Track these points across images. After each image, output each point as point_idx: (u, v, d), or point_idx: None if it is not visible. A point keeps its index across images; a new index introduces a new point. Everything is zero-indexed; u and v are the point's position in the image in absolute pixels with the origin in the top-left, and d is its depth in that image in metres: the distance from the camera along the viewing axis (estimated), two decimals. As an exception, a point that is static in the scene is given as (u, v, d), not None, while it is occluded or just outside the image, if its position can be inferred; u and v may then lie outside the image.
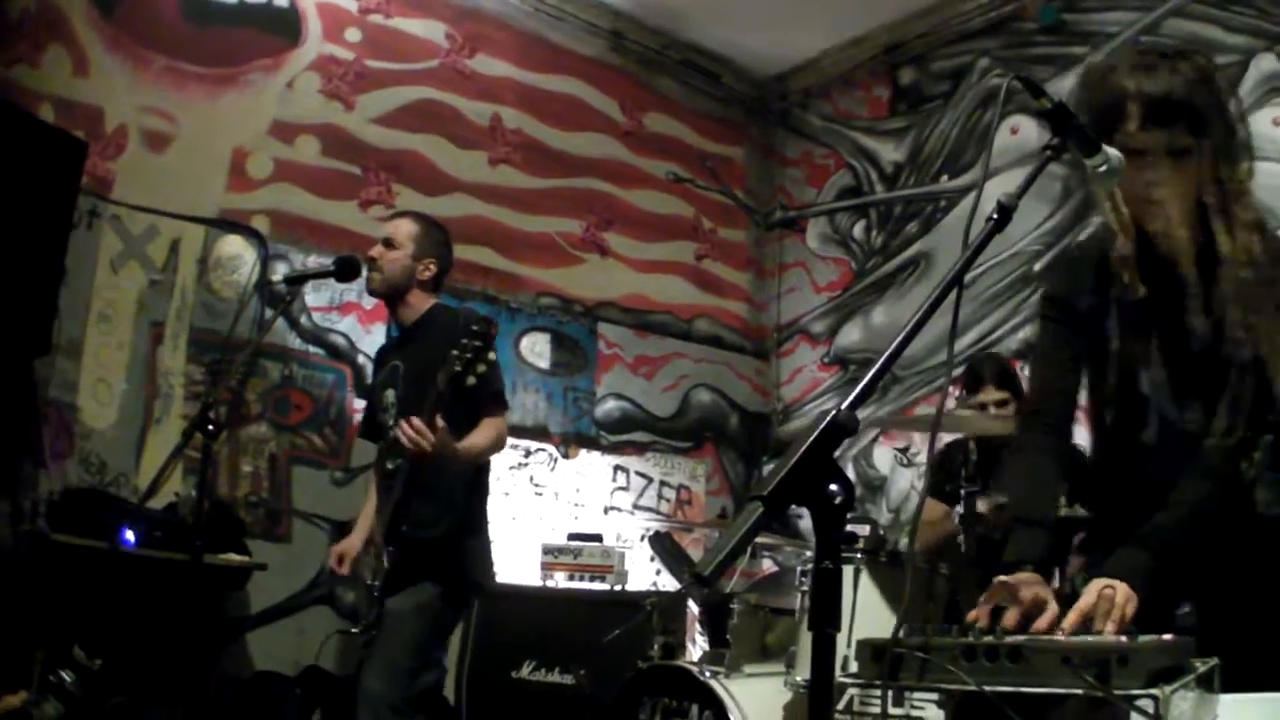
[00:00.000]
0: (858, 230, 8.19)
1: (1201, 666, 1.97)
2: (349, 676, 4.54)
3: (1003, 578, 2.32)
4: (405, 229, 4.47)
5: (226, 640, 5.37)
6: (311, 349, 6.14)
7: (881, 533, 6.55)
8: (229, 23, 6.10)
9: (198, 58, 5.94)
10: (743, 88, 8.69)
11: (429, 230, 4.54)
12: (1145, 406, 2.59)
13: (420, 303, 4.46)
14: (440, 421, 3.88)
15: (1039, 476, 2.67)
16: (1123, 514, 2.56)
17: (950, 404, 5.32)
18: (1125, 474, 2.66)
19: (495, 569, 4.60)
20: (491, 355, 3.92)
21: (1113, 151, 2.17)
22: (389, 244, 4.42)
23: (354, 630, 4.15)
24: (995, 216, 1.94)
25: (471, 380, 3.86)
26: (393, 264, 4.39)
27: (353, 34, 6.55)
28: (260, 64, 6.16)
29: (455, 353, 3.82)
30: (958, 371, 5.55)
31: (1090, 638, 2.05)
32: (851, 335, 8.08)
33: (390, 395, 4.38)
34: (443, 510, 4.21)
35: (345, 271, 4.31)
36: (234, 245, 5.91)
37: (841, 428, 1.55)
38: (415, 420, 3.84)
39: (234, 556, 5.19)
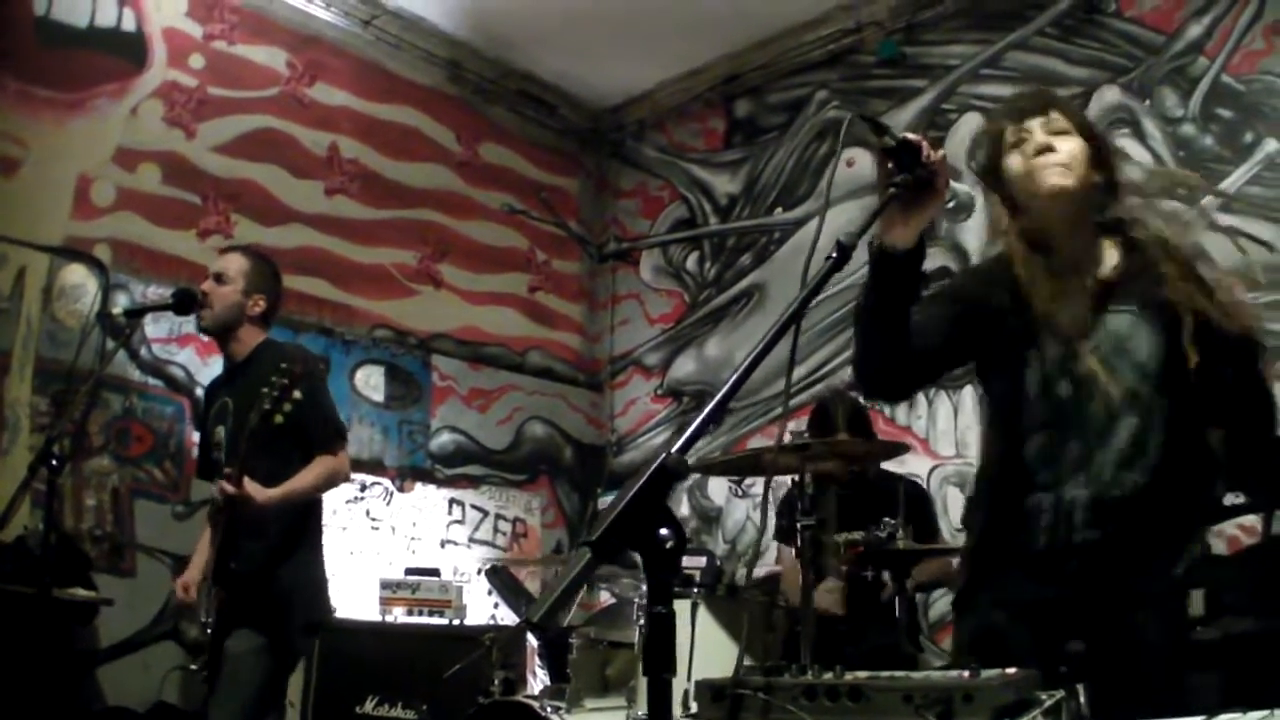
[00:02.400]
0: (691, 262, 8.68)
1: (1048, 700, 2.00)
2: (196, 711, 4.62)
3: None
4: (236, 264, 4.64)
5: (77, 675, 5.52)
6: (151, 380, 6.33)
7: (718, 564, 7.08)
8: (79, 46, 6.30)
9: (48, 81, 6.13)
10: (578, 119, 9.11)
11: (259, 265, 4.71)
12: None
13: (250, 338, 4.62)
14: (247, 482, 4.10)
15: None
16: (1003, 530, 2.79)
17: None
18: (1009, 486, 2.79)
19: (331, 604, 4.79)
20: (297, 394, 4.10)
21: (961, 188, 2.65)
22: (219, 279, 4.58)
23: (193, 667, 4.28)
24: (834, 255, 2.03)
25: (279, 419, 4.07)
26: (223, 300, 4.55)
27: (196, 60, 6.80)
28: (106, 89, 6.38)
29: (265, 390, 4.06)
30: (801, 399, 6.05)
31: (934, 674, 2.14)
32: (685, 367, 8.54)
33: (220, 432, 4.53)
34: (268, 548, 4.36)
35: (183, 304, 4.53)
36: (77, 274, 6.09)
37: (671, 472, 1.61)
38: (223, 484, 4.08)
39: (81, 591, 5.35)
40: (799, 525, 4.39)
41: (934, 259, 5.06)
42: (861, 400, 5.59)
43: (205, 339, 6.24)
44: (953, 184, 2.73)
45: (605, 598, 7.29)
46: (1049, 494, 2.68)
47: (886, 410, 6.80)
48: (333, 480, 4.50)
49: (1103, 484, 2.64)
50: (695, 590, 4.42)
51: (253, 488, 4.13)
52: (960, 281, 3.07)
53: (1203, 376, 2.62)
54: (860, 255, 2.11)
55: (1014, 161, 2.77)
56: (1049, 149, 2.71)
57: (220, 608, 4.22)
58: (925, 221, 2.48)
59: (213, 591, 4.24)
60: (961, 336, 2.81)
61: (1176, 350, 2.62)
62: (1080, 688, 2.04)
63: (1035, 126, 2.76)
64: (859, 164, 7.14)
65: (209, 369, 6.39)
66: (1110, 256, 2.77)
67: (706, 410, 1.78)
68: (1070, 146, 2.73)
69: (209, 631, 4.23)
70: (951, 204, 2.42)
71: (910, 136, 2.39)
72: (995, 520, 2.83)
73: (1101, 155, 2.78)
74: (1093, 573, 2.64)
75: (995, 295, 2.76)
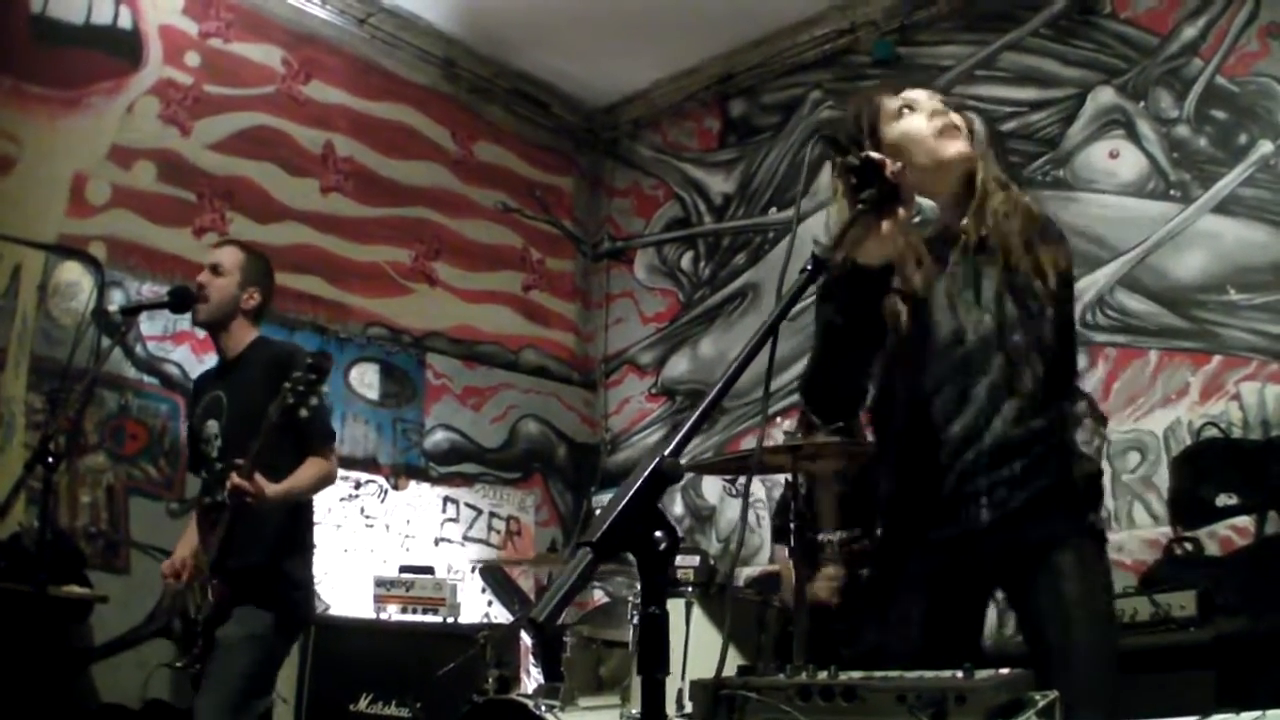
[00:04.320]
0: (685, 261, 8.70)
1: (1041, 700, 2.01)
2: (189, 708, 4.55)
3: None
4: (232, 257, 4.64)
5: (71, 673, 5.52)
6: (146, 378, 6.34)
7: (712, 563, 7.08)
8: (75, 44, 6.31)
9: (43, 79, 6.14)
10: (572, 118, 9.14)
11: (254, 259, 4.72)
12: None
13: (244, 334, 4.62)
14: (259, 479, 4.10)
15: None
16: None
17: (780, 438, 5.69)
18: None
19: (314, 602, 4.82)
20: (325, 389, 4.19)
21: (927, 203, 2.66)
22: (216, 270, 4.58)
23: (178, 665, 4.31)
24: (809, 268, 2.07)
25: (304, 413, 4.08)
26: (220, 291, 4.55)
27: (192, 58, 6.81)
28: (102, 87, 6.39)
29: (288, 385, 4.05)
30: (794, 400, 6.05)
31: (927, 674, 2.11)
32: (679, 366, 8.56)
33: (214, 426, 4.52)
34: (268, 542, 4.35)
35: (180, 302, 4.52)
36: (72, 272, 6.09)
37: (665, 476, 1.64)
38: (235, 479, 4.06)
39: (76, 589, 5.35)
40: (792, 525, 4.37)
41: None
42: None
43: (201, 336, 6.26)
44: (919, 198, 2.73)
45: (599, 597, 7.31)
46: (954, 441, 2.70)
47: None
48: (325, 482, 4.52)
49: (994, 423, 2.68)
50: (689, 590, 4.43)
51: (263, 483, 4.13)
52: None
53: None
54: None
55: (912, 124, 2.80)
56: (948, 118, 2.79)
57: (220, 600, 4.23)
58: (894, 237, 2.48)
59: (213, 583, 4.24)
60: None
61: (1022, 288, 2.70)
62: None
63: (920, 97, 2.83)
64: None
65: (204, 366, 6.32)
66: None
67: (695, 415, 1.79)
68: (958, 118, 2.81)
69: (197, 630, 4.25)
70: (918, 218, 2.41)
71: (872, 154, 2.42)
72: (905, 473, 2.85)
73: (970, 127, 2.85)
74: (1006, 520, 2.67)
75: None
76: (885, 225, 2.43)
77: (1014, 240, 2.70)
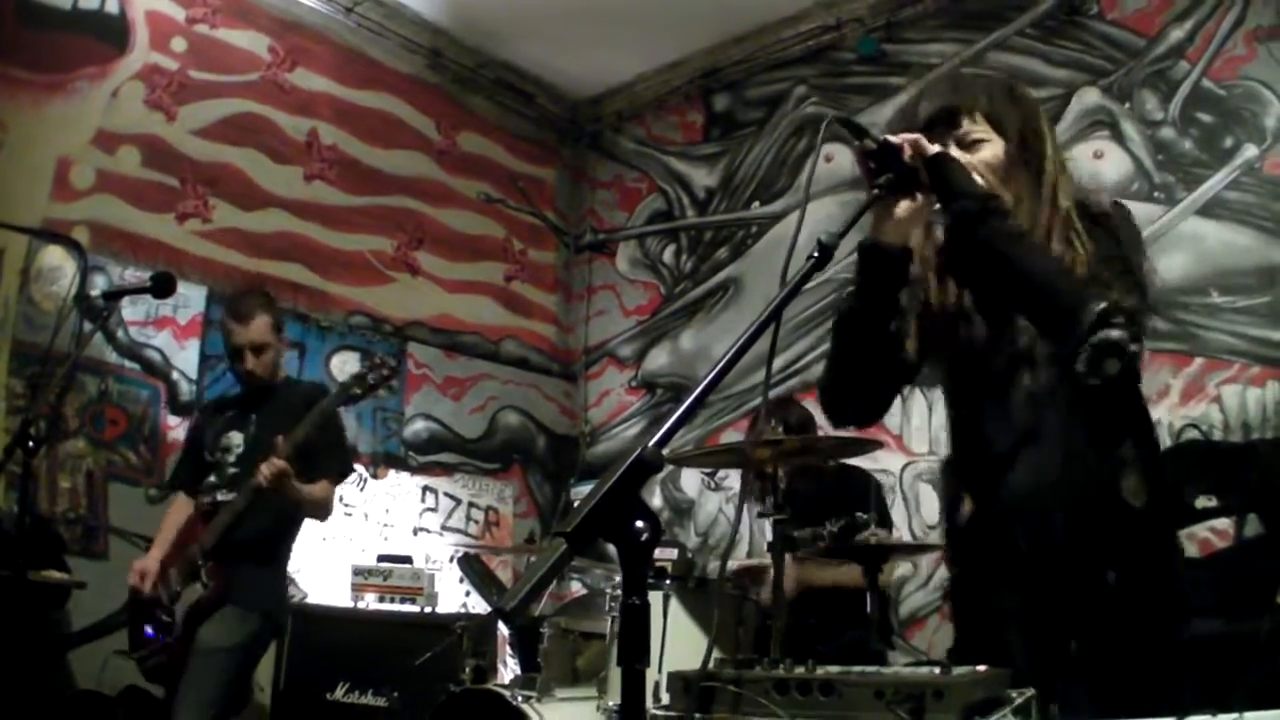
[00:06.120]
0: (668, 254, 8.72)
1: (1018, 697, 1.98)
2: (169, 697, 4.69)
3: None
4: (263, 327, 4.78)
5: (48, 659, 5.50)
6: (127, 364, 6.31)
7: (690, 556, 7.10)
8: (61, 28, 6.27)
9: (29, 63, 6.10)
10: (556, 109, 9.15)
11: (273, 309, 4.89)
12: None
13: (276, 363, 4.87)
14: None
15: None
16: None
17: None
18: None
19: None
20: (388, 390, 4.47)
21: None
22: (258, 351, 4.74)
23: (132, 655, 4.49)
24: (816, 255, 2.00)
25: (358, 390, 4.38)
26: (269, 366, 4.77)
27: (178, 43, 6.78)
28: (87, 71, 6.35)
29: (358, 373, 4.30)
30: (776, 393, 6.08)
31: (904, 670, 2.12)
32: (659, 359, 8.58)
33: (236, 437, 4.68)
34: (268, 538, 4.53)
35: (161, 288, 4.47)
36: (55, 256, 6.06)
37: (647, 465, 1.61)
38: (276, 460, 4.21)
39: (54, 574, 5.31)
40: (769, 519, 4.40)
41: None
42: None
43: (183, 322, 6.34)
44: None
45: (577, 588, 7.34)
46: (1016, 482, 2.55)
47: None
48: (323, 509, 4.67)
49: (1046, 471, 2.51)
50: (667, 582, 4.41)
51: (290, 471, 4.28)
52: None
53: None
54: (839, 252, 2.07)
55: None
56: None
57: (217, 584, 4.34)
58: (916, 220, 2.44)
59: (209, 566, 4.34)
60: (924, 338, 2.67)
61: None
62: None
63: (948, 143, 2.55)
64: (837, 159, 7.17)
65: (185, 353, 6.45)
66: None
67: (684, 405, 1.75)
68: (985, 156, 2.55)
69: (171, 616, 4.39)
70: (937, 204, 2.31)
71: (890, 138, 2.35)
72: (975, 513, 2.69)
73: (1027, 148, 2.57)
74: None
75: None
76: (902, 209, 2.39)
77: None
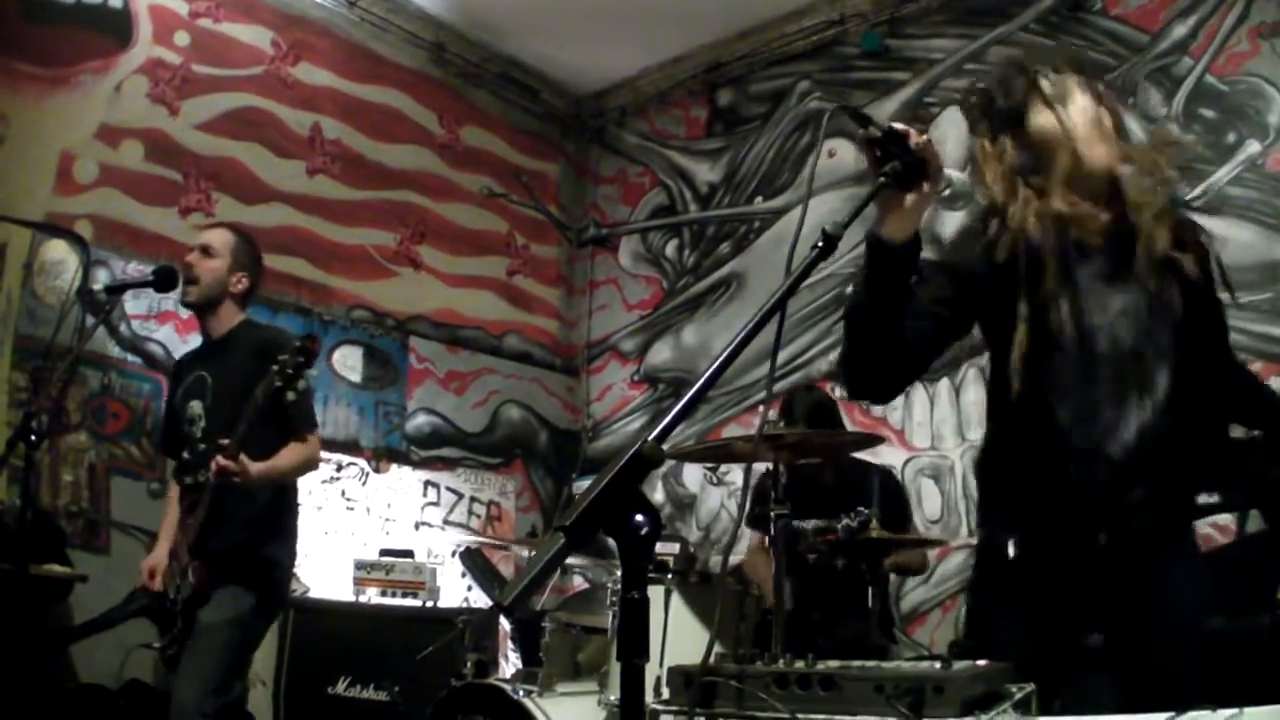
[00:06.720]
0: (670, 249, 8.71)
1: (1018, 692, 1.99)
2: (168, 689, 4.59)
3: None
4: (222, 239, 4.62)
5: (50, 652, 5.50)
6: (130, 357, 6.31)
7: (691, 551, 7.08)
8: (64, 22, 6.26)
9: (32, 57, 6.09)
10: (559, 104, 9.14)
11: (244, 243, 4.70)
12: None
13: (230, 316, 4.61)
14: (245, 459, 4.09)
15: None
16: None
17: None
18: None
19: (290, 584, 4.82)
20: (313, 373, 4.20)
21: (956, 175, 2.52)
22: (206, 251, 4.56)
23: (156, 646, 4.34)
24: (820, 245, 1.96)
25: (292, 396, 4.10)
26: (210, 273, 4.54)
27: (181, 37, 6.77)
28: (90, 65, 6.34)
29: (276, 368, 4.04)
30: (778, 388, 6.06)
31: (905, 665, 2.12)
32: (662, 354, 8.58)
33: (197, 407, 4.51)
34: (250, 523, 4.36)
35: (164, 281, 4.50)
36: (58, 250, 6.05)
37: (647, 460, 1.59)
38: (221, 459, 4.04)
39: (56, 567, 5.34)
40: (771, 514, 4.32)
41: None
42: (832, 395, 5.62)
43: (185, 316, 6.25)
44: (948, 171, 2.56)
45: (578, 583, 7.31)
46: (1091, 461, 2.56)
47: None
48: (308, 466, 4.52)
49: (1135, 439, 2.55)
50: (669, 577, 4.37)
51: (247, 462, 4.11)
52: (942, 256, 2.79)
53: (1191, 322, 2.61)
54: (844, 246, 2.05)
55: (1053, 120, 2.66)
56: (1098, 119, 2.65)
57: (200, 583, 4.23)
58: (921, 210, 2.40)
59: (193, 565, 4.24)
60: (957, 311, 2.67)
61: (1165, 302, 2.60)
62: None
63: (1074, 87, 2.68)
64: (840, 155, 7.20)
65: (187, 346, 6.29)
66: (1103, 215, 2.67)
67: (685, 399, 1.73)
68: (1108, 119, 2.67)
69: (175, 610, 4.27)
70: (947, 191, 2.29)
71: (896, 125, 2.30)
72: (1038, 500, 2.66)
73: (1118, 124, 2.72)
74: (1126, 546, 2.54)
75: (984, 261, 2.65)
76: (909, 199, 2.35)
77: (1156, 247, 2.60)
